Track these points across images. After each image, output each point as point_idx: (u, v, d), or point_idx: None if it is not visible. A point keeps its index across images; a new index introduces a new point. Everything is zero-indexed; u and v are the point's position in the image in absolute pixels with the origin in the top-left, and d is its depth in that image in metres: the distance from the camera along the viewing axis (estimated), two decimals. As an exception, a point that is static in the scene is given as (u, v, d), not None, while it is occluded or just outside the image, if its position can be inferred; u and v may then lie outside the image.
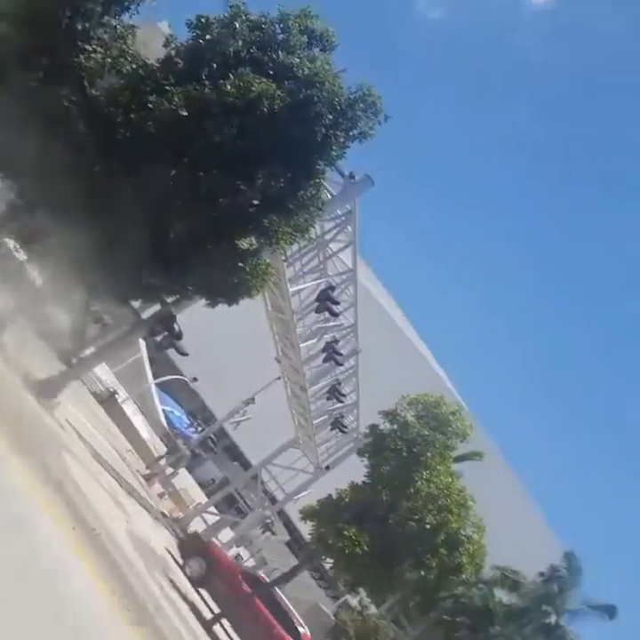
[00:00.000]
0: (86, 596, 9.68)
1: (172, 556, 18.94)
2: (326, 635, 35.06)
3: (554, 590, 34.59)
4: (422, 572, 25.74)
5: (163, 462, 31.68)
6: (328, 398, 24.91)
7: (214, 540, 27.85)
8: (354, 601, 36.65)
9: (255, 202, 13.58)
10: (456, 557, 25.28)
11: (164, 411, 38.61)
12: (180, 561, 18.18)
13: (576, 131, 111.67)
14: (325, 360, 22.15)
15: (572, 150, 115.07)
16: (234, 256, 14.24)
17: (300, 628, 19.22)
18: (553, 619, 34.25)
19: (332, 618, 37.52)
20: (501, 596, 38.20)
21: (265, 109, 12.99)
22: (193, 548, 18.32)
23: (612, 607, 34.69)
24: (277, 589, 21.49)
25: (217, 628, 18.62)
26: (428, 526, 24.35)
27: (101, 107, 13.14)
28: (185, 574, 18.29)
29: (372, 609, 38.11)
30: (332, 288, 19.23)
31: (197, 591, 18.54)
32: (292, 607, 20.49)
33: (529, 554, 42.90)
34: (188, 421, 46.95)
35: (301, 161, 13.70)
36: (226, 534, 36.20)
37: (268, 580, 24.45)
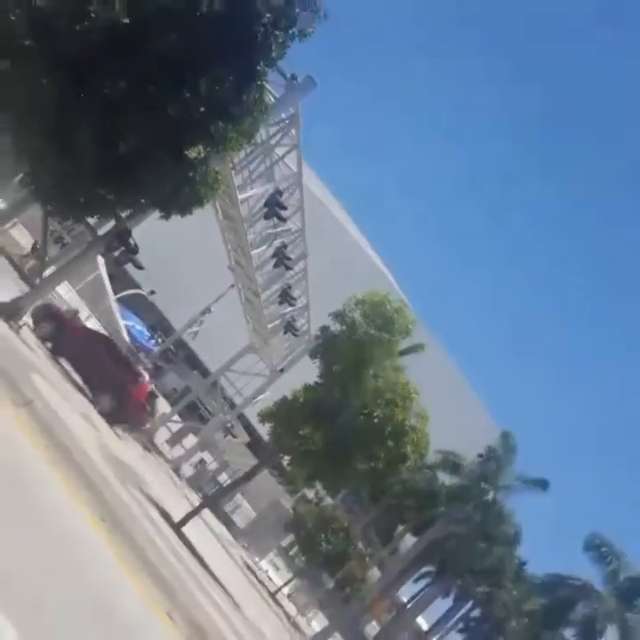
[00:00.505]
0: (63, 507, 9.99)
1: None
2: (286, 527, 37.28)
3: (491, 469, 37.34)
4: (372, 464, 26.43)
5: (127, 376, 32.22)
6: (280, 303, 25.51)
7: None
8: (310, 494, 38.23)
9: (201, 109, 13.79)
10: (402, 447, 25.83)
11: (125, 326, 38.97)
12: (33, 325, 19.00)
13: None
14: (276, 265, 22.81)
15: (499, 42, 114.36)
16: (183, 166, 14.56)
17: (140, 378, 21.84)
18: (491, 495, 37.18)
19: (291, 511, 39.75)
20: (444, 478, 41.08)
21: (204, 9, 12.99)
22: (43, 314, 19.43)
23: (544, 481, 37.91)
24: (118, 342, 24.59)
25: (187, 527, 19.31)
26: (376, 420, 25.09)
27: (46, 18, 13.00)
28: (37, 337, 18.89)
29: (328, 500, 40.31)
30: (280, 193, 19.72)
31: (55, 357, 19.32)
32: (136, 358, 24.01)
33: (469, 438, 45.86)
34: (149, 334, 47.41)
35: (243, 63, 13.72)
36: (190, 440, 37.67)
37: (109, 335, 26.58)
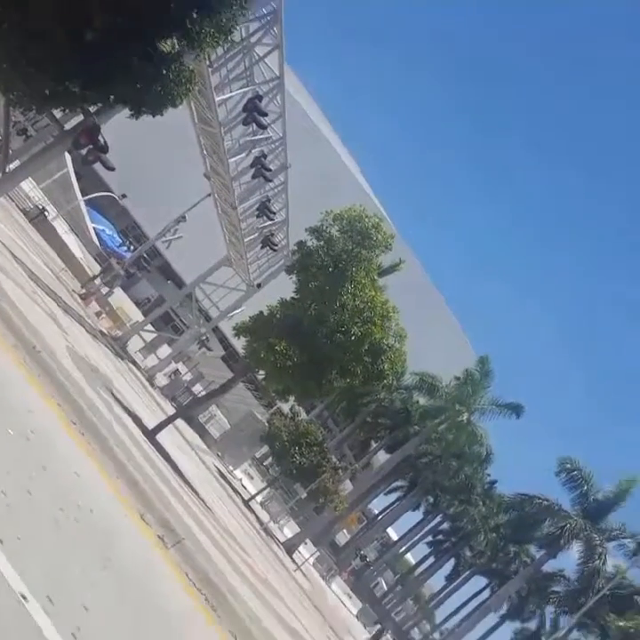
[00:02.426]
0: (35, 408, 9.82)
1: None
2: (261, 438, 37.88)
3: (467, 392, 37.98)
4: (348, 380, 26.94)
5: (97, 282, 31.75)
6: (258, 216, 24.80)
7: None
8: (286, 408, 38.49)
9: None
10: (379, 365, 25.83)
11: (95, 229, 37.90)
12: None
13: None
14: (254, 176, 21.96)
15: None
16: (155, 61, 13.68)
17: None
18: (465, 417, 37.99)
19: (266, 424, 40.29)
20: (419, 398, 41.78)
21: None
22: None
23: (519, 406, 38.69)
24: None
25: (161, 435, 19.33)
26: (353, 338, 24.84)
27: None
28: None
29: (303, 415, 40.82)
30: (260, 97, 18.69)
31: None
32: None
33: (446, 360, 46.46)
34: (120, 240, 46.34)
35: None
36: (164, 351, 37.56)
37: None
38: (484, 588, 56.13)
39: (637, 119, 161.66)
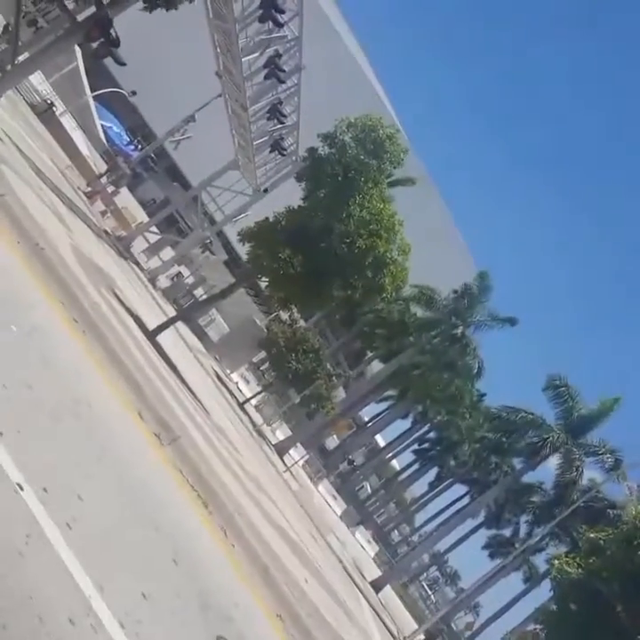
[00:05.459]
0: (37, 305, 9.87)
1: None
2: (259, 344, 38.50)
3: (464, 305, 38.34)
4: (349, 292, 26.80)
5: (104, 180, 31.28)
6: (269, 118, 24.18)
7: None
8: (285, 316, 38.66)
9: None
10: (380, 278, 26.07)
11: (103, 126, 37.00)
12: None
13: None
14: (267, 77, 21.28)
15: None
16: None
17: None
18: (460, 330, 38.53)
19: (265, 330, 40.83)
20: (417, 311, 42.19)
21: None
22: None
23: (513, 319, 39.29)
24: None
25: (161, 337, 19.55)
26: (357, 250, 24.90)
27: None
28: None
29: (301, 323, 41.29)
30: (278, -6, 17.83)
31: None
32: None
33: (447, 273, 46.54)
34: (128, 139, 45.25)
35: None
36: (167, 253, 37.53)
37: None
38: (463, 496, 58.67)
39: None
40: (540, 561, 46.59)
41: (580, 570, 19.41)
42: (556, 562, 20.97)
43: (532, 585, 46.55)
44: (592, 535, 20.99)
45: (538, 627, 31.66)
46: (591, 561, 19.50)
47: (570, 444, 35.45)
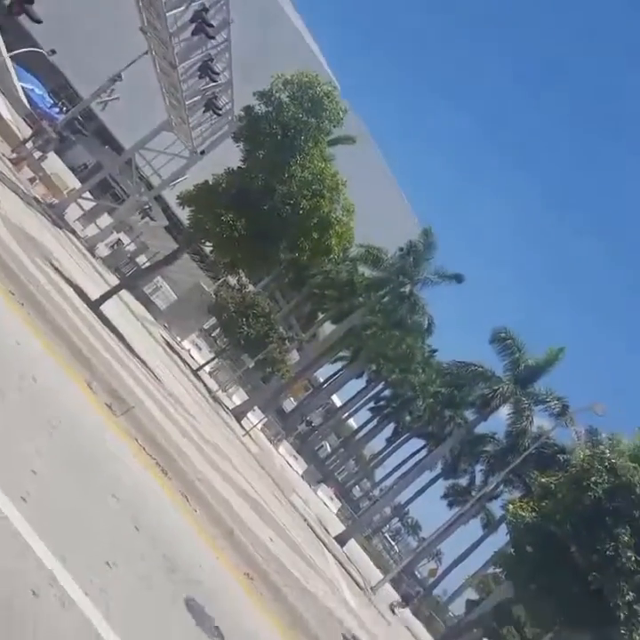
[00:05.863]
0: None
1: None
2: (208, 310, 37.93)
3: (410, 263, 38.71)
4: (296, 254, 26.75)
5: (29, 145, 29.84)
6: (200, 76, 23.34)
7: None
8: (233, 280, 38.15)
9: None
10: (326, 240, 26.07)
11: (23, 88, 35.12)
12: None
13: None
14: (195, 32, 20.43)
15: None
16: None
17: None
18: (407, 288, 38.94)
19: (213, 296, 40.24)
20: (365, 270, 42.42)
21: None
22: None
23: (459, 275, 39.95)
24: None
25: (105, 307, 19.14)
26: (301, 211, 24.67)
27: None
28: None
29: (250, 287, 40.93)
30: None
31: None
32: None
33: (392, 233, 46.77)
34: (52, 101, 43.14)
35: None
36: (104, 220, 36.33)
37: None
38: (420, 449, 60.13)
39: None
40: (496, 507, 48.38)
41: (533, 513, 20.04)
42: (511, 507, 21.65)
43: (489, 531, 48.36)
44: (543, 480, 21.71)
45: (497, 570, 32.85)
46: (544, 504, 20.15)
47: (519, 394, 36.49)
